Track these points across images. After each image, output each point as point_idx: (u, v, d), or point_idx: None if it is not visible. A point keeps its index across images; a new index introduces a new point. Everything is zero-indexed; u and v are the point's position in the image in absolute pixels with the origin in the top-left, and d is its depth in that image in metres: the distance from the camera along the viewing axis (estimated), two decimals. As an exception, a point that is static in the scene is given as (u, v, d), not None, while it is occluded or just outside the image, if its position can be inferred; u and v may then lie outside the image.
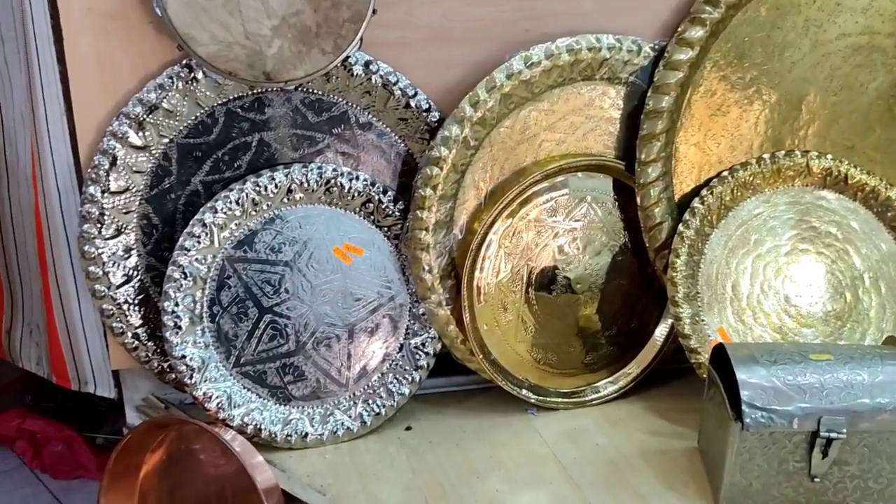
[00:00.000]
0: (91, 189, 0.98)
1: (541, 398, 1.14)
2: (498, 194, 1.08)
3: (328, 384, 1.07)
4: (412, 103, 1.04)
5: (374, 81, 1.02)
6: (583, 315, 1.16)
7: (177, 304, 0.99)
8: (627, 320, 1.18)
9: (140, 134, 0.98)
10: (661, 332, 1.18)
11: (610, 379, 1.18)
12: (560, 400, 1.15)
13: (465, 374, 1.17)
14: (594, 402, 1.16)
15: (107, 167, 0.98)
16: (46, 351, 1.20)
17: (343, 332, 1.07)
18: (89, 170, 0.98)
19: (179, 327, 0.99)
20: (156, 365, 1.07)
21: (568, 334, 1.16)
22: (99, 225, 0.99)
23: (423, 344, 1.10)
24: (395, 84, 1.03)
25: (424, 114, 1.05)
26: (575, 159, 1.08)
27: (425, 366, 1.11)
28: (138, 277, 1.04)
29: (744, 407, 0.91)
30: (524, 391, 1.13)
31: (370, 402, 1.08)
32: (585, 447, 1.07)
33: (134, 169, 0.99)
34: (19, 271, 1.25)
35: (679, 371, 1.19)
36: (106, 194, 0.99)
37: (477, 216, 1.08)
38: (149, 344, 1.06)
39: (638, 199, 1.11)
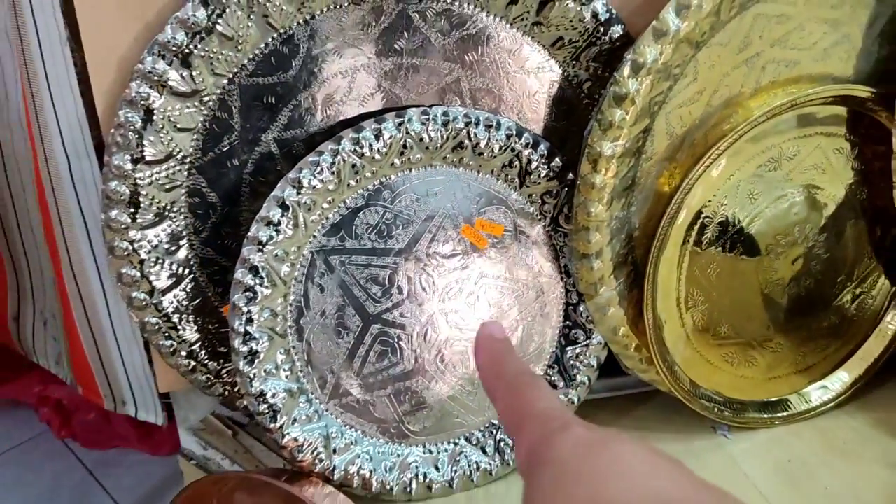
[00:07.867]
0: (117, 158, 0.65)
1: (736, 414, 0.85)
2: (699, 143, 0.74)
3: (457, 412, 0.78)
4: (585, 13, 0.70)
5: (528, -20, 0.67)
6: (791, 295, 0.85)
7: (250, 321, 0.68)
8: (848, 302, 0.87)
9: (185, 73, 0.64)
10: (893, 318, 0.87)
11: (822, 383, 0.88)
12: (758, 416, 0.86)
13: (623, 376, 0.87)
14: (802, 417, 0.87)
15: (138, 125, 0.65)
16: (67, 352, 0.91)
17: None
18: (112, 130, 0.65)
19: (255, 353, 0.69)
20: (221, 390, 0.78)
21: (771, 322, 0.85)
22: (132, 209, 0.67)
23: (581, 354, 0.80)
24: (559, -17, 0.68)
25: (601, 28, 0.71)
26: (814, 88, 0.74)
27: (585, 382, 0.81)
28: (191, 277, 0.72)
29: None
30: (717, 408, 0.83)
31: (514, 432, 0.79)
32: (811, 492, 0.78)
33: (178, 126, 0.66)
34: (24, 247, 0.94)
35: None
36: (140, 165, 0.66)
37: (669, 174, 0.75)
38: (210, 364, 0.76)
39: (895, 141, 0.78)
